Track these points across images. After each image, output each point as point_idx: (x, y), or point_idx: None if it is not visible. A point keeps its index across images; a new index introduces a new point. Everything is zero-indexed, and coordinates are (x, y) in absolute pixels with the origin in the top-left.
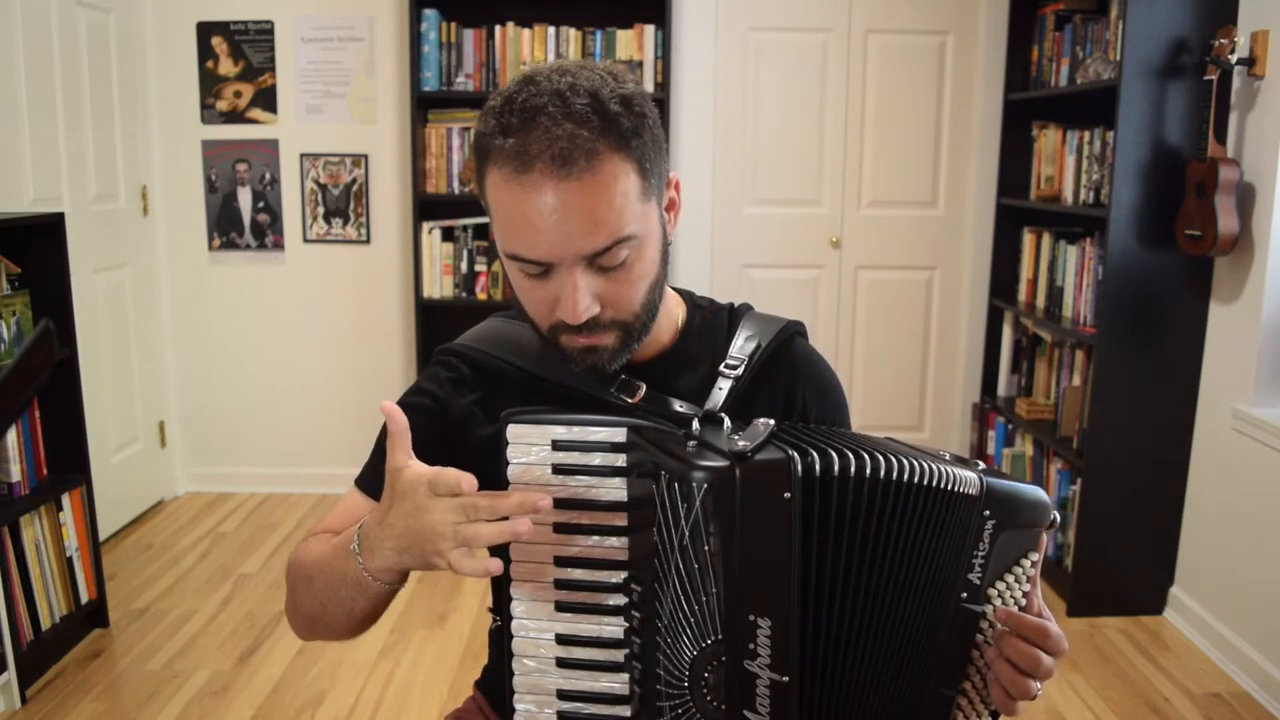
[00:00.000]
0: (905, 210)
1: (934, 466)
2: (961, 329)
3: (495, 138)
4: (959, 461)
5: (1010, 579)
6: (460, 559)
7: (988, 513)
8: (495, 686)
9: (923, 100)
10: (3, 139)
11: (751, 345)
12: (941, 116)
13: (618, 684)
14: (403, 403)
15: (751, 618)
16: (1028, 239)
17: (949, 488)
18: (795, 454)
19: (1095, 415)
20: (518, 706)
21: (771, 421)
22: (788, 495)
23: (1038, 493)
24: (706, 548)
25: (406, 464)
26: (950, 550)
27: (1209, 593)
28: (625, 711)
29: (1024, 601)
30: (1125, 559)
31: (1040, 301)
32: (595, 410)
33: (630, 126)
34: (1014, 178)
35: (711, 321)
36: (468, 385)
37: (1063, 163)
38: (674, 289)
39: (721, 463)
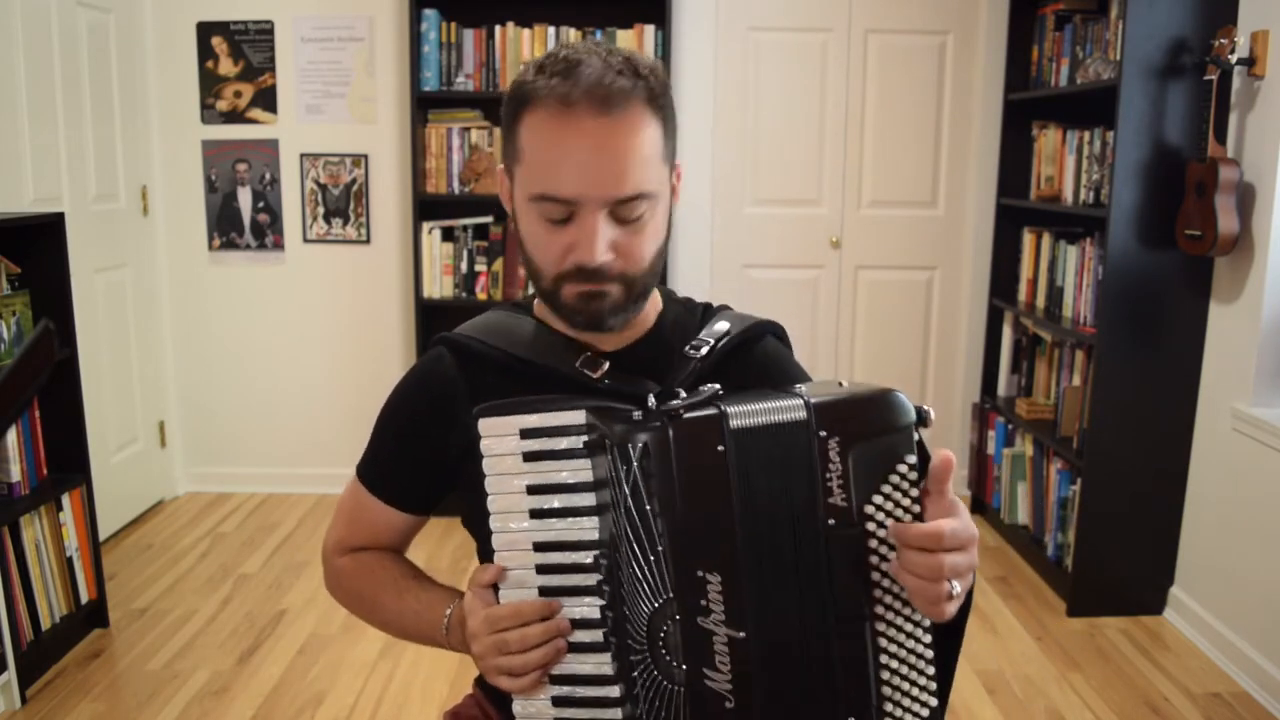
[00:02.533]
0: (905, 210)
1: (764, 404)
2: (961, 329)
3: (538, 81)
4: (814, 388)
5: (888, 489)
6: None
7: (824, 432)
8: None
9: (923, 100)
10: (3, 139)
11: (721, 329)
12: (941, 116)
13: (604, 664)
14: (397, 398)
15: (700, 574)
16: (1028, 239)
17: (778, 420)
18: (728, 409)
19: (1095, 415)
20: (514, 695)
21: (716, 386)
22: (721, 448)
23: (883, 395)
24: (648, 507)
25: (480, 606)
26: (799, 480)
27: (1209, 593)
28: (614, 691)
29: (916, 509)
30: (1125, 559)
31: (1040, 301)
32: (562, 386)
33: (658, 90)
34: (1014, 178)
35: (686, 317)
36: (457, 376)
37: (1063, 163)
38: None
39: (656, 422)
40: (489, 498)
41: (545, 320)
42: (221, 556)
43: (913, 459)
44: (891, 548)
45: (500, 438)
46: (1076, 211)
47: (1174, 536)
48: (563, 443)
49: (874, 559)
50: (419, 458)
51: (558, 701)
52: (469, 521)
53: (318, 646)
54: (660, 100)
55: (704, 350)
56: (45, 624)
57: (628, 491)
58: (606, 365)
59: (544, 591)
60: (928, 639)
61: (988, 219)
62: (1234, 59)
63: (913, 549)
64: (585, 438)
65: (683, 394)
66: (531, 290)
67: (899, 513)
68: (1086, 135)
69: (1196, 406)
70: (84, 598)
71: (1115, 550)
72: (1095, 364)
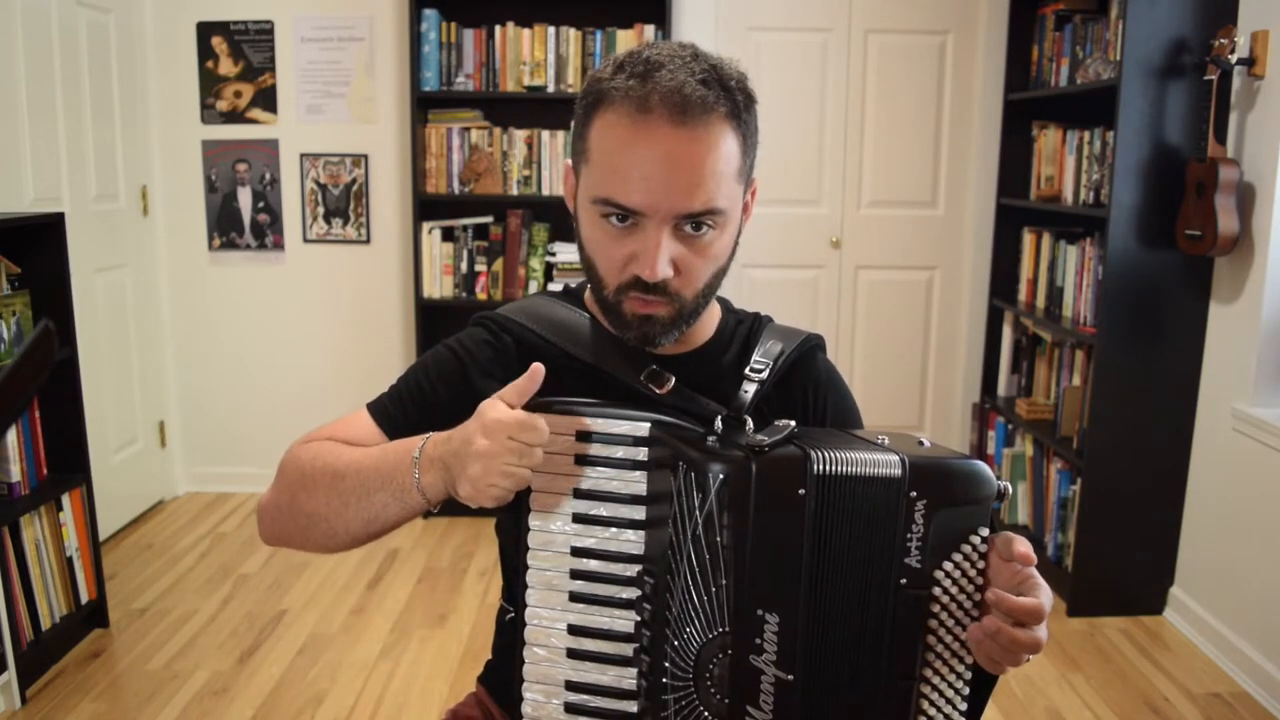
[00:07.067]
0: (905, 210)
1: (855, 454)
2: (961, 329)
3: (615, 79)
4: (898, 441)
5: (959, 557)
6: (479, 495)
7: (915, 493)
8: (500, 679)
9: (923, 100)
10: (3, 139)
11: (776, 350)
12: (941, 116)
13: (626, 678)
14: (440, 354)
15: (760, 612)
16: (1028, 239)
17: (869, 473)
18: (813, 451)
19: (1095, 415)
20: (526, 695)
21: (792, 423)
22: (802, 491)
23: (973, 466)
24: (719, 539)
25: (497, 402)
26: (880, 535)
27: (1209, 593)
28: (632, 707)
29: (980, 580)
30: (1125, 559)
31: (1040, 301)
32: (624, 398)
33: (742, 103)
34: (1014, 178)
35: (742, 327)
36: (502, 356)
37: (1063, 163)
38: None
39: (737, 453)
40: (530, 494)
41: (598, 316)
42: (221, 556)
43: (986, 531)
44: (951, 614)
45: (553, 436)
46: (1076, 211)
47: (1174, 536)
48: (619, 451)
49: (933, 623)
50: (442, 423)
51: (570, 708)
52: (500, 523)
53: (318, 646)
54: (744, 116)
55: (765, 373)
56: (45, 624)
57: (700, 520)
58: (672, 382)
59: (574, 597)
60: (964, 705)
61: (988, 219)
62: (1234, 59)
63: (1016, 622)
64: (647, 450)
65: (750, 421)
66: (573, 283)
67: (964, 581)
68: (1086, 135)
69: (1196, 406)
70: (84, 598)
71: (1115, 550)
72: (1095, 364)
